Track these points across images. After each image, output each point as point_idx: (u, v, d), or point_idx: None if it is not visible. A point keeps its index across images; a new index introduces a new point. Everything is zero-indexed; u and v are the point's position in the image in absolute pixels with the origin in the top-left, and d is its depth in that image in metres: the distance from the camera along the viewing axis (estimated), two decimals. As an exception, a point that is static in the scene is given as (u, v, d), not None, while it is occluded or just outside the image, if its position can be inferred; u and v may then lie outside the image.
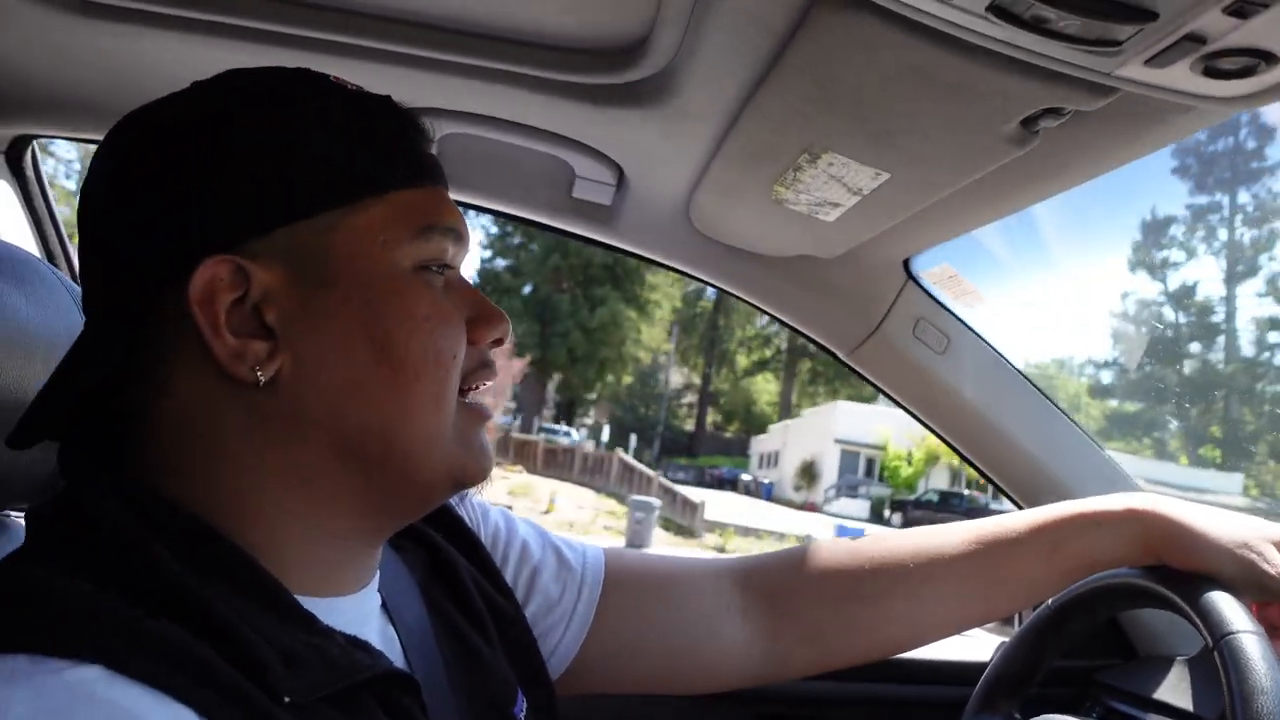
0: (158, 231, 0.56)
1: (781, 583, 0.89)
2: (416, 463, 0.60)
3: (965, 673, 1.35)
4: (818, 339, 1.33)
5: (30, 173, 1.28)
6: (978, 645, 1.29)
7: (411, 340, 0.58)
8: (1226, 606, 0.75)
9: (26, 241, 1.27)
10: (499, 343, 0.66)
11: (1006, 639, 1.02)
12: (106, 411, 0.59)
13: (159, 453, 0.57)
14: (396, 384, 0.58)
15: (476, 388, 0.65)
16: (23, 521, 0.86)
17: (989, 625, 0.99)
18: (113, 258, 0.58)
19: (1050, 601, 0.92)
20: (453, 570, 0.76)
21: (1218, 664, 0.72)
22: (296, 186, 0.57)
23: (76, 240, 0.62)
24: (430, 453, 0.60)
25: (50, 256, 1.31)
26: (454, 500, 0.82)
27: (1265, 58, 0.58)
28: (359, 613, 0.62)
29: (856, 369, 1.34)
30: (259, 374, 0.55)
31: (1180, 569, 0.81)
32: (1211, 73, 0.60)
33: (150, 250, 0.56)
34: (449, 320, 0.61)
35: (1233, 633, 0.72)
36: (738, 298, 1.31)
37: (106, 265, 0.58)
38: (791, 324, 1.32)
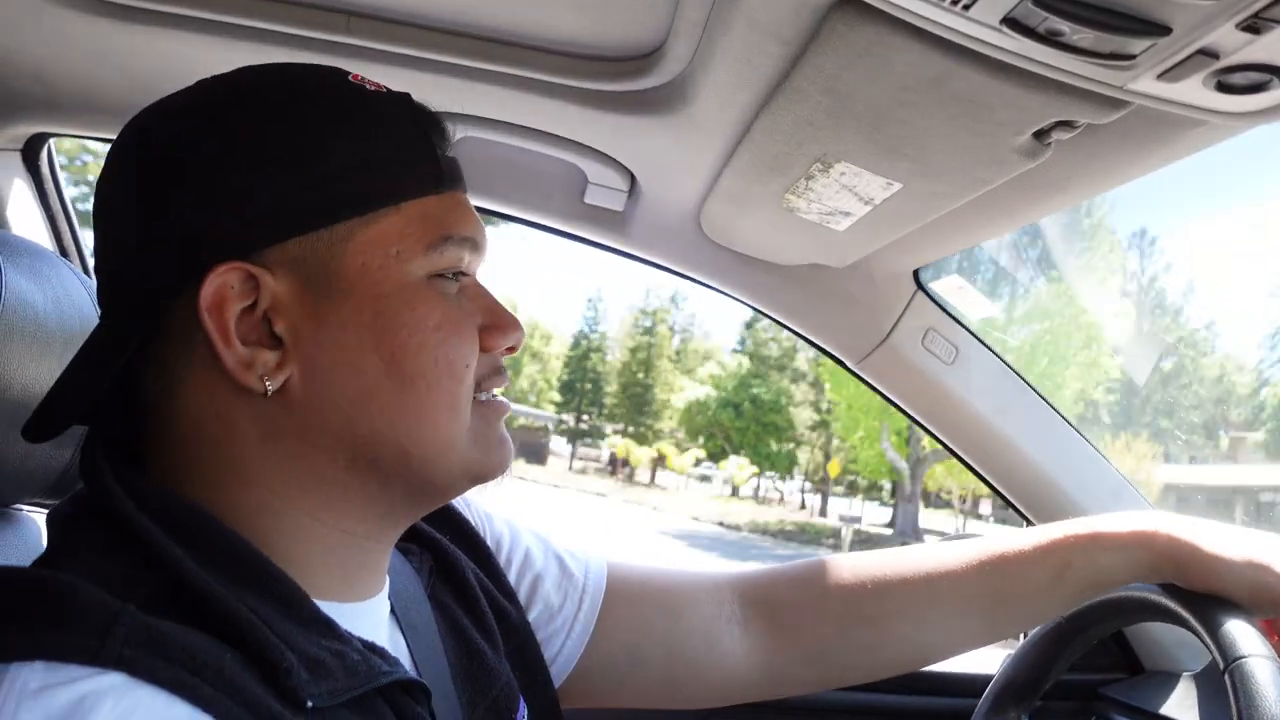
0: (169, 236, 0.55)
1: (782, 598, 0.89)
2: (433, 468, 0.60)
3: (969, 684, 1.35)
4: (827, 348, 1.33)
5: (45, 170, 1.29)
6: (982, 657, 1.28)
7: (422, 351, 0.58)
8: (1238, 630, 0.74)
9: (41, 237, 1.28)
10: (512, 350, 0.65)
11: (1012, 651, 1.02)
12: (125, 410, 0.59)
13: (177, 456, 0.57)
14: (408, 395, 0.58)
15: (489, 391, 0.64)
16: (35, 518, 0.86)
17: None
18: (125, 260, 0.57)
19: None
20: (459, 572, 0.76)
21: (1228, 687, 0.72)
22: (312, 198, 0.56)
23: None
24: (448, 457, 0.60)
25: (64, 252, 1.32)
26: (461, 505, 0.82)
27: (1277, 74, 0.58)
28: (372, 620, 0.63)
29: (865, 378, 1.34)
30: (267, 383, 0.55)
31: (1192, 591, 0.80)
32: (1223, 88, 0.60)
33: (161, 255, 0.55)
34: (460, 330, 0.60)
35: (1243, 657, 0.72)
36: (748, 305, 1.32)
37: (119, 266, 0.58)
38: (801, 332, 1.32)
